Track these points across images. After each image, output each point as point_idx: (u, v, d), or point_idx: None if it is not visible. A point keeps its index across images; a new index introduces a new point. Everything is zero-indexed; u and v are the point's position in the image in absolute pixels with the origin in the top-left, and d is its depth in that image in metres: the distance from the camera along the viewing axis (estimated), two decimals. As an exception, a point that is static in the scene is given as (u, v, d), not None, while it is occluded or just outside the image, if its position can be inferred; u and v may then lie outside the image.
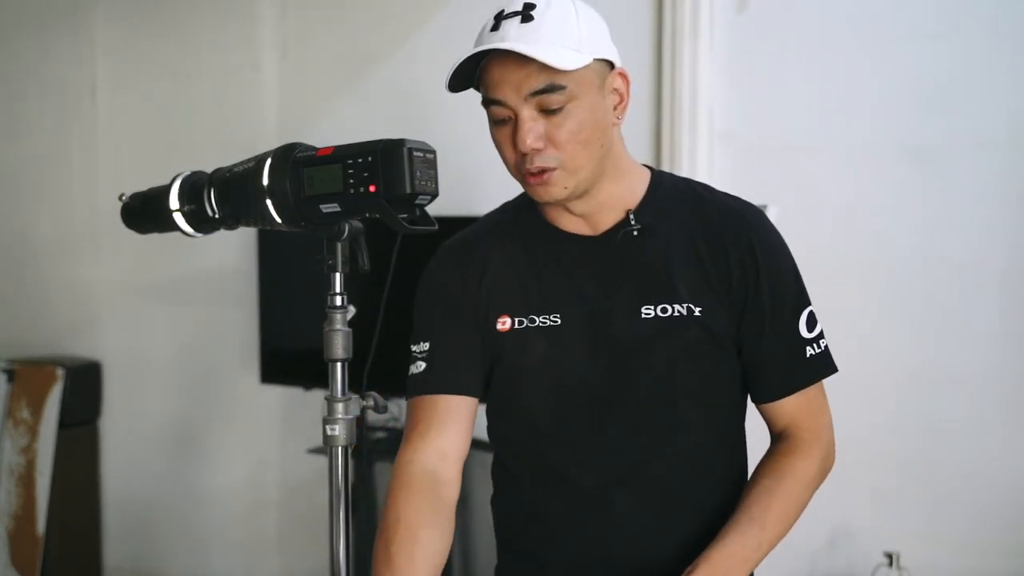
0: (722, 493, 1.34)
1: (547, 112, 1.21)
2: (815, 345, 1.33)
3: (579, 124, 1.22)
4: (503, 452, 1.43)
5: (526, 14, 1.21)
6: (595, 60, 1.23)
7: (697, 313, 1.28)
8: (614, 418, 1.31)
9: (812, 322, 1.33)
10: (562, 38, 1.20)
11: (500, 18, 1.22)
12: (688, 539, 1.30)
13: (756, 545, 1.25)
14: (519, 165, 1.25)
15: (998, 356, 2.30)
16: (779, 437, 1.37)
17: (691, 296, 1.29)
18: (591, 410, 1.31)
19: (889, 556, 2.25)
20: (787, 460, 1.32)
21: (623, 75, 1.28)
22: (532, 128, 1.21)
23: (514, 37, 1.19)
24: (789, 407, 1.34)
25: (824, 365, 1.34)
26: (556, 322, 1.32)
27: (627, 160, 1.35)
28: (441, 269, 1.41)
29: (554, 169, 1.23)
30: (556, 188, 1.25)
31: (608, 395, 1.31)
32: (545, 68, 1.18)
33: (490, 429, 1.43)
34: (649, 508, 1.31)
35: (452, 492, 1.34)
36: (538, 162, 1.23)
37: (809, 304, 1.34)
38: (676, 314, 1.28)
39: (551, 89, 1.20)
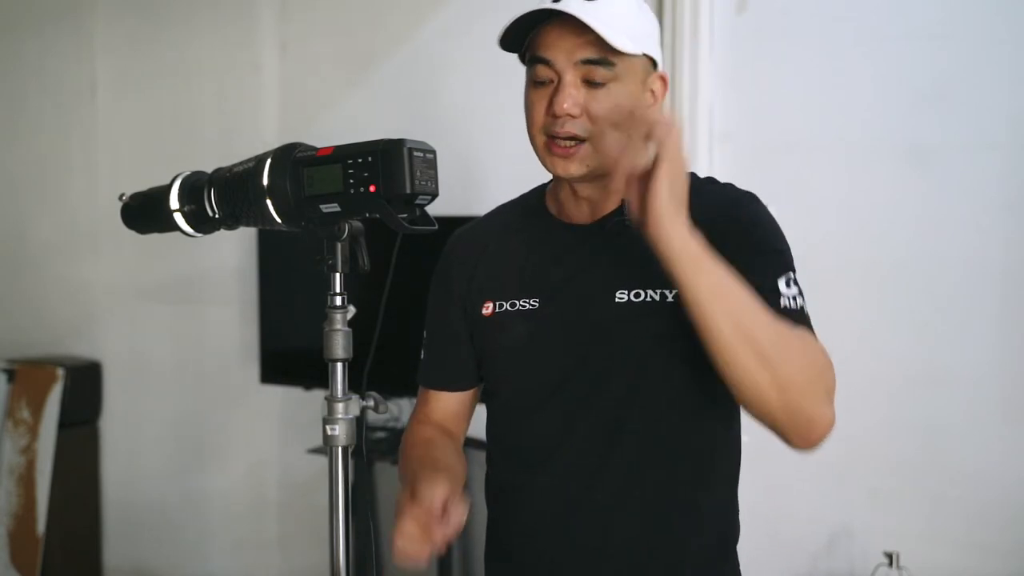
0: (701, 484, 1.32)
1: (591, 85, 1.24)
2: (792, 300, 1.22)
3: (617, 105, 1.24)
4: (490, 439, 1.45)
5: None
6: (644, 55, 1.27)
7: (670, 299, 1.26)
8: (586, 403, 1.31)
9: (790, 283, 1.24)
10: (620, 24, 1.23)
11: None
12: (663, 535, 1.29)
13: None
14: (547, 127, 1.27)
15: (997, 355, 2.30)
16: None
17: (666, 282, 1.24)
18: (563, 394, 1.32)
19: (889, 556, 2.25)
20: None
21: (663, 79, 1.32)
22: (572, 94, 1.24)
23: (576, 10, 1.21)
24: None
25: (797, 319, 1.20)
26: (534, 306, 1.34)
27: None
28: (446, 259, 1.48)
29: (584, 141, 1.25)
30: (577, 164, 1.27)
31: (581, 379, 1.31)
32: (600, 42, 1.22)
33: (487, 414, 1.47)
34: (620, 496, 1.29)
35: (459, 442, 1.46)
36: (569, 127, 1.25)
37: (792, 270, 1.25)
38: (649, 299, 1.27)
39: (602, 62, 1.23)
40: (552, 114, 1.25)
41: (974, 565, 2.31)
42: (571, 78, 1.24)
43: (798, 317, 1.21)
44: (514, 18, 1.24)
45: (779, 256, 1.27)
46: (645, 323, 1.28)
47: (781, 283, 1.23)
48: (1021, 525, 2.28)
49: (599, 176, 1.29)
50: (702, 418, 1.34)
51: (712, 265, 1.11)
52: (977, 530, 2.31)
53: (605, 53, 1.22)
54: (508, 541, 1.41)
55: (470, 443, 1.50)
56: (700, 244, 1.11)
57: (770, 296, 1.19)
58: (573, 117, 1.24)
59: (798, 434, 1.15)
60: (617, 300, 1.29)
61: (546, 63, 1.25)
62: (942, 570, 2.33)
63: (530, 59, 1.28)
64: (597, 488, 1.30)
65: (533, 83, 1.28)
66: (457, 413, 1.48)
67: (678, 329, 1.25)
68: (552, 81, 1.26)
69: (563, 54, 1.24)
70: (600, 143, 1.25)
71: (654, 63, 1.30)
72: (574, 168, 1.27)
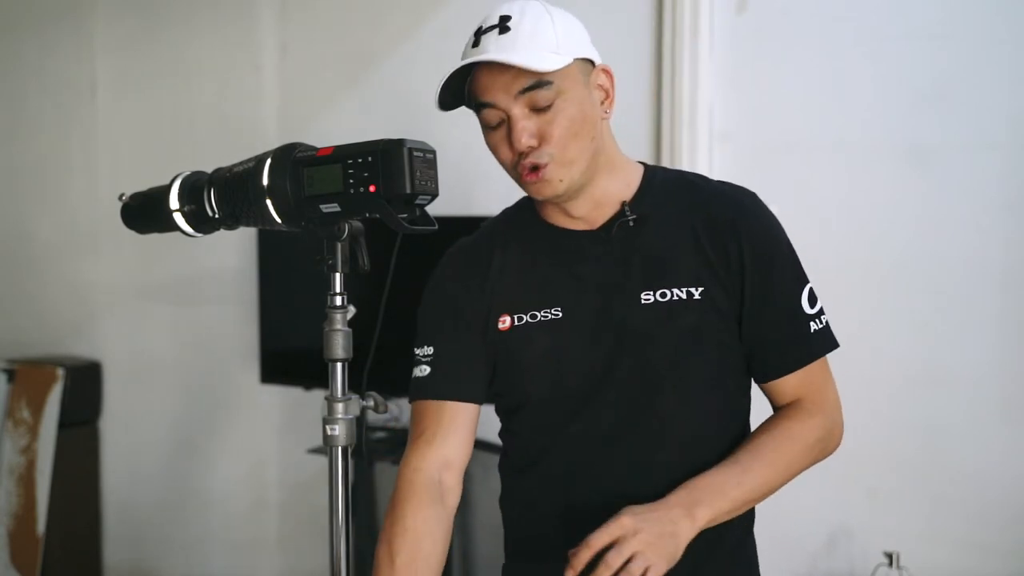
0: None
1: (537, 110, 1.25)
2: (818, 320, 1.35)
3: (569, 118, 1.26)
4: (511, 448, 1.44)
5: (503, 26, 1.26)
6: (575, 60, 1.27)
7: (697, 296, 1.30)
8: (618, 408, 1.32)
9: (813, 298, 1.36)
10: (539, 44, 1.24)
11: (479, 33, 1.28)
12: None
13: (736, 483, 1.26)
14: (515, 165, 1.29)
15: (997, 355, 2.30)
16: (782, 407, 1.39)
17: (690, 280, 1.31)
18: (595, 401, 1.33)
19: (889, 556, 2.25)
20: (785, 421, 1.35)
21: (606, 71, 1.32)
22: (525, 126, 1.25)
23: (494, 49, 1.25)
24: (792, 384, 1.36)
25: (827, 340, 1.36)
26: (557, 315, 1.34)
27: (620, 156, 1.38)
28: (446, 274, 1.44)
29: (547, 164, 1.26)
30: (552, 184, 1.28)
31: (612, 384, 1.32)
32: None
33: (501, 428, 1.45)
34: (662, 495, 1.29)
35: (454, 500, 1.38)
36: (532, 158, 1.26)
37: (808, 281, 1.37)
38: (676, 298, 1.30)
39: (539, 85, 1.24)
40: (515, 152, 1.27)
41: (974, 565, 2.31)
42: (518, 112, 1.25)
43: (824, 340, 1.36)
44: (443, 80, 1.27)
45: (795, 271, 1.37)
46: (677, 322, 1.31)
47: (805, 303, 1.35)
48: (1021, 525, 2.28)
49: (581, 188, 1.31)
50: (733, 412, 1.39)
51: (721, 498, 1.24)
52: (977, 530, 2.31)
53: (539, 76, 1.23)
54: (529, 545, 1.42)
55: (475, 444, 1.50)
56: (704, 508, 1.22)
57: (799, 324, 1.33)
58: (533, 147, 1.26)
59: None
60: (643, 302, 1.31)
61: (490, 106, 1.27)
62: (942, 570, 2.32)
63: (476, 106, 1.30)
64: (641, 490, 1.29)
65: (488, 128, 1.30)
66: (465, 439, 1.38)
67: (710, 324, 1.32)
68: (503, 121, 1.27)
69: (501, 93, 1.25)
70: (566, 158, 1.27)
71: (592, 61, 1.31)
72: (553, 188, 1.29)
